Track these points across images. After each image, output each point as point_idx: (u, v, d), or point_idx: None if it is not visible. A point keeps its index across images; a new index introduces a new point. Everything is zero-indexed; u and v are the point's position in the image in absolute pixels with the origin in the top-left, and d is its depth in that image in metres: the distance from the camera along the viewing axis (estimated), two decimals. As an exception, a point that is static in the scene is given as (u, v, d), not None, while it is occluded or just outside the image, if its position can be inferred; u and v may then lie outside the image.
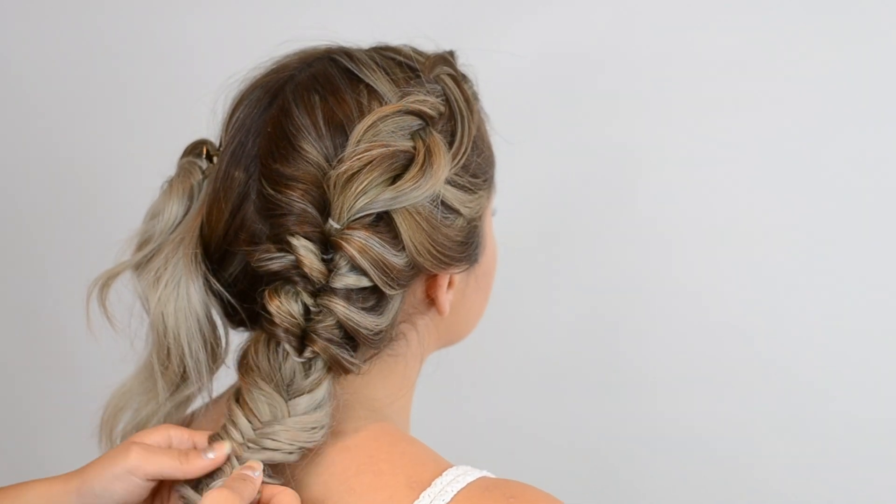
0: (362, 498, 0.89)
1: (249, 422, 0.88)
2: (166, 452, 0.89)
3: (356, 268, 0.87)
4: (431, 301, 0.95)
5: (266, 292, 0.88)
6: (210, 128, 0.99)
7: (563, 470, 1.60)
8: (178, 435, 0.92)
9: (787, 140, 1.49)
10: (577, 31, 1.55)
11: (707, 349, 1.56)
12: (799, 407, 1.53)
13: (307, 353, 0.88)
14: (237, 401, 0.89)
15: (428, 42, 0.98)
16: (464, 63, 0.98)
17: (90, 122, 1.68)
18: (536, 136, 1.52)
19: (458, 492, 0.88)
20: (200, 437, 0.91)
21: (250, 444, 0.88)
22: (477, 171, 0.94)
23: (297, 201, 0.87)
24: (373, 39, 0.99)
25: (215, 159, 0.97)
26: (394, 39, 0.99)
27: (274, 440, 0.87)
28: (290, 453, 0.88)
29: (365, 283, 0.87)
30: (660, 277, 1.56)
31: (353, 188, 0.86)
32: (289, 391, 0.89)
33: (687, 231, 1.55)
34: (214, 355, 0.97)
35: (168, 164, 1.01)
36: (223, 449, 0.88)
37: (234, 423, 0.89)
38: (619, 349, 1.60)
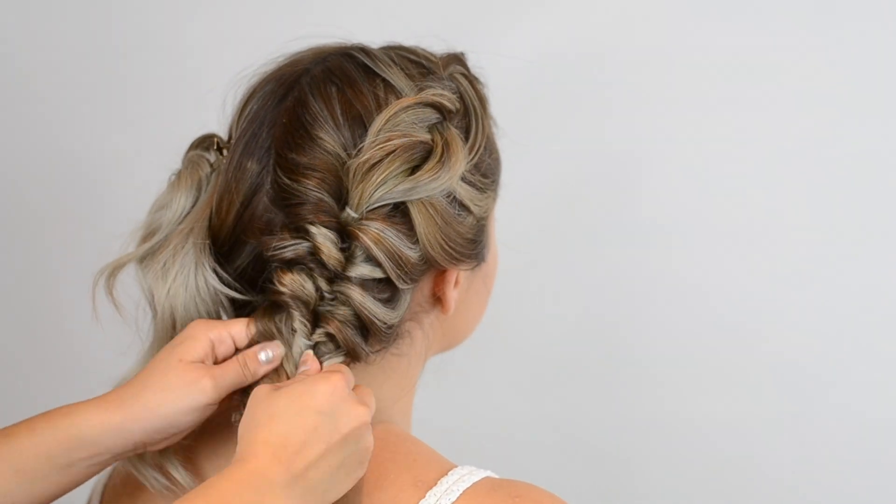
0: (367, 497, 0.88)
1: None
2: (229, 369, 0.88)
3: (371, 258, 0.87)
4: (437, 299, 0.96)
5: (277, 270, 0.88)
6: (220, 123, 0.99)
7: (564, 470, 1.60)
8: (217, 335, 0.90)
9: (787, 138, 1.52)
10: (576, 31, 1.56)
11: (708, 347, 1.57)
12: (800, 404, 1.54)
13: (318, 335, 0.88)
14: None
15: (438, 42, 1.00)
16: (475, 66, 0.99)
17: (93, 116, 1.66)
18: (536, 136, 1.53)
19: (464, 491, 0.87)
20: (235, 329, 0.90)
21: None
22: (487, 171, 0.95)
23: (314, 190, 0.88)
24: (379, 39, 1.00)
25: (225, 152, 0.97)
26: (402, 40, 1.00)
27: None
28: None
29: (379, 274, 0.88)
30: (660, 276, 1.58)
31: (374, 178, 0.87)
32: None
33: (687, 230, 1.56)
34: None
35: (170, 158, 1.01)
36: (279, 350, 0.89)
37: None
38: (619, 348, 1.60)
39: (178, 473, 0.94)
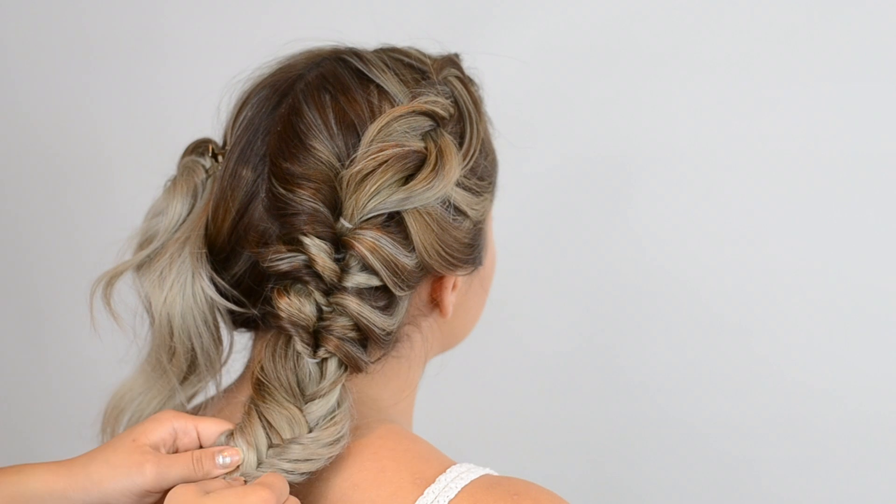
0: (366, 494, 0.89)
1: (269, 437, 0.87)
2: (179, 462, 0.87)
3: (367, 267, 0.87)
4: (435, 303, 0.96)
5: (274, 290, 0.88)
6: (215, 128, 0.98)
7: (563, 470, 1.61)
8: (182, 426, 0.89)
9: (785, 140, 1.51)
10: (572, 31, 1.55)
11: (707, 349, 1.57)
12: (799, 407, 1.55)
13: (321, 353, 0.88)
14: (254, 416, 0.88)
15: (433, 44, 0.99)
16: (469, 66, 0.99)
17: (88, 121, 1.65)
18: (535, 137, 1.53)
19: (463, 488, 0.88)
20: (204, 425, 0.89)
21: (263, 468, 0.87)
22: (483, 174, 0.95)
23: (308, 200, 0.87)
24: (373, 40, 0.99)
25: (220, 158, 0.97)
26: (396, 41, 1.00)
27: (291, 461, 0.87)
28: (305, 473, 0.87)
29: (375, 282, 0.88)
30: (659, 278, 1.57)
31: (367, 188, 0.86)
32: (303, 396, 0.88)
33: (686, 231, 1.56)
34: (217, 356, 0.97)
35: (165, 163, 1.01)
36: (237, 456, 0.87)
37: (250, 443, 0.87)
38: (618, 350, 1.61)
39: None
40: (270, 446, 0.87)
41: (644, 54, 1.54)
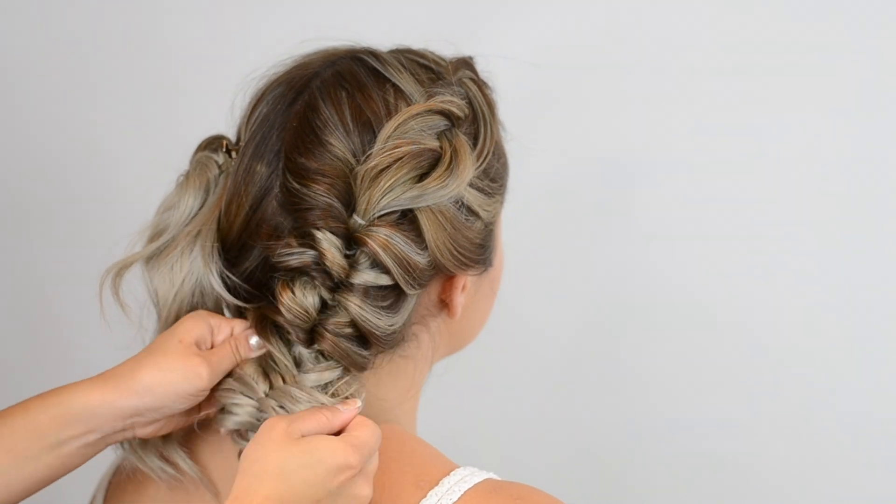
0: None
1: (270, 381, 0.90)
2: (224, 354, 0.91)
3: (378, 264, 0.88)
4: (444, 303, 0.96)
5: (279, 283, 0.89)
6: (228, 125, 0.99)
7: (564, 472, 1.60)
8: (217, 323, 0.93)
9: (785, 140, 1.51)
10: (581, 34, 1.56)
11: (707, 350, 1.57)
12: (799, 407, 1.55)
13: (316, 347, 0.90)
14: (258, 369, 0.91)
15: (447, 46, 1.00)
16: (483, 70, 0.99)
17: (100, 117, 1.65)
18: (536, 139, 1.53)
19: (465, 492, 0.88)
20: (235, 322, 0.93)
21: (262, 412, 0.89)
22: (495, 176, 0.96)
23: (323, 195, 0.88)
24: (387, 42, 1.00)
25: (233, 154, 0.97)
26: (409, 43, 1.00)
27: (293, 399, 0.88)
28: None
29: (384, 280, 0.88)
30: (660, 279, 1.58)
31: (381, 184, 0.87)
32: (299, 369, 0.91)
33: (687, 232, 1.56)
34: None
35: (177, 159, 1.01)
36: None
37: (247, 387, 0.90)
38: (620, 351, 1.61)
39: (186, 464, 0.96)
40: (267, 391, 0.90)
41: (648, 57, 1.54)
